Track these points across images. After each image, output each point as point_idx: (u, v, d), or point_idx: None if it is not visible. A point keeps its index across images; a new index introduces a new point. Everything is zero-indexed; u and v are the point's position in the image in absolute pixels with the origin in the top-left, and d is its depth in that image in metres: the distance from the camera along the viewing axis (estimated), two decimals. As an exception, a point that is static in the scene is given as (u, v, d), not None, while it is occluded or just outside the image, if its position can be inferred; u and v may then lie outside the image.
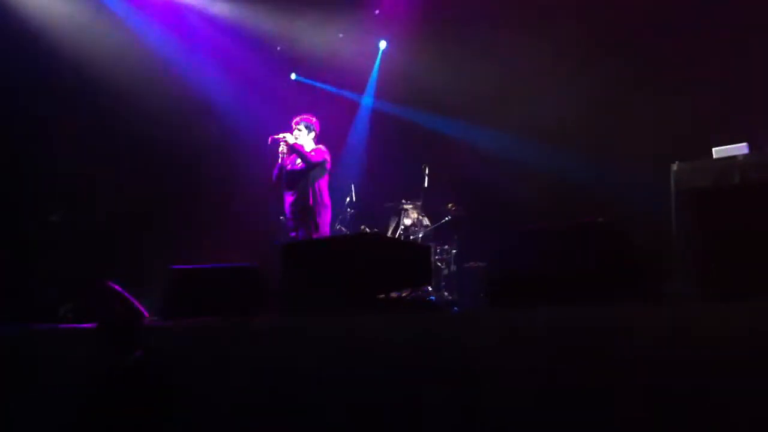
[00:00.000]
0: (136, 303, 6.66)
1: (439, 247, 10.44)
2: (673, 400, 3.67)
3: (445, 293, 10.14)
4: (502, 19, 10.81)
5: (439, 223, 10.66)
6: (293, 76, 12.94)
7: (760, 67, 8.85)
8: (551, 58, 10.32)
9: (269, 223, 9.93)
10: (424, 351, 4.58)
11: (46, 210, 10.02)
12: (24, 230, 9.69)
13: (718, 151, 7.30)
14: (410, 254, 6.78)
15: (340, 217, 10.47)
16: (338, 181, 10.63)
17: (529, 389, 4.11)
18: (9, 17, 9.82)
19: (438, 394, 4.38)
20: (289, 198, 8.93)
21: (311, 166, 8.74)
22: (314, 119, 9.12)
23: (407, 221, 10.61)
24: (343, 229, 10.45)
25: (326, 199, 8.96)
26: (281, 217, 9.25)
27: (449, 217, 10.63)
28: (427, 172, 10.64)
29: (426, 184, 10.64)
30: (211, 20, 11.70)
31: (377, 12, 12.08)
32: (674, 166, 7.24)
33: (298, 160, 8.84)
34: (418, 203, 10.59)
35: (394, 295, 6.50)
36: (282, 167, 8.85)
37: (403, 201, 10.63)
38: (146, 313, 6.83)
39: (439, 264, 10.38)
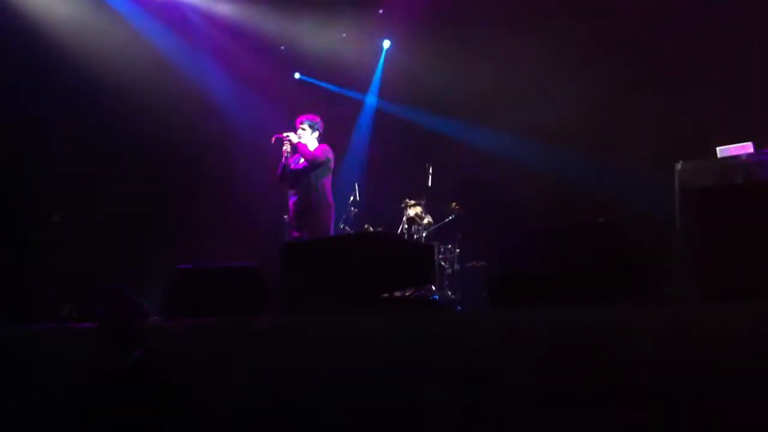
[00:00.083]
0: (138, 303, 6.65)
1: (442, 246, 10.44)
2: (673, 400, 3.65)
3: (449, 292, 10.14)
4: (504, 19, 10.80)
5: (442, 222, 10.66)
6: (297, 75, 12.95)
7: (762, 67, 8.83)
8: (552, 58, 10.32)
9: (270, 222, 9.94)
10: (424, 351, 4.57)
11: (46, 210, 10.04)
12: (24, 230, 9.70)
13: (722, 151, 7.29)
14: (413, 253, 6.77)
15: (344, 216, 10.47)
16: (342, 181, 10.63)
17: (529, 389, 4.10)
18: (9, 17, 9.84)
19: (438, 394, 4.37)
20: (292, 197, 8.92)
21: (314, 165, 8.74)
22: (318, 118, 9.12)
23: (410, 220, 10.62)
24: (347, 228, 10.45)
25: (329, 198, 8.95)
26: (284, 217, 9.25)
27: (452, 216, 10.63)
28: (430, 171, 10.63)
29: (429, 184, 10.64)
30: (213, 19, 11.70)
31: (381, 11, 12.08)
32: (678, 166, 7.23)
33: (302, 159, 8.83)
34: (422, 202, 10.59)
35: (397, 294, 6.50)
36: (285, 166, 8.85)
37: (407, 200, 10.62)
38: (148, 313, 6.84)
39: (443, 263, 10.38)
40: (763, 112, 8.22)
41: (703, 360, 3.65)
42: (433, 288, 9.63)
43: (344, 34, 12.28)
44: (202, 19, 11.71)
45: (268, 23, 11.72)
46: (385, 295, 6.03)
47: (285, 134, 8.78)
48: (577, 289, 4.55)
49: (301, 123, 8.98)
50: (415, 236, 10.41)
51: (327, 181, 8.93)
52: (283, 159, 8.82)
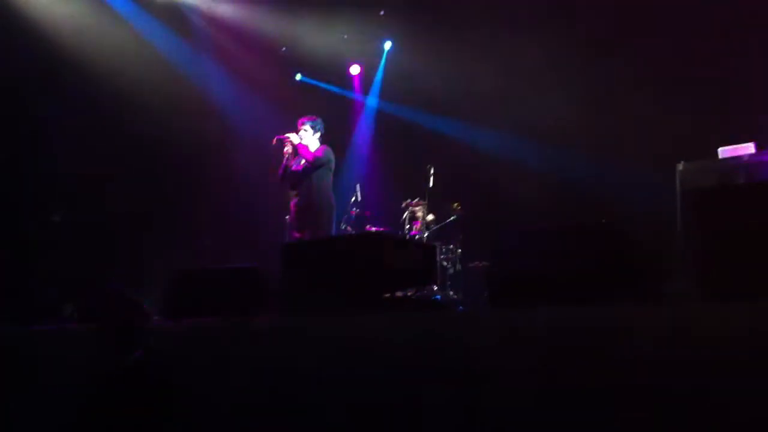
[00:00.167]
0: (139, 303, 6.65)
1: (444, 247, 10.44)
2: (673, 400, 3.64)
3: (451, 292, 10.14)
4: (504, 19, 10.80)
5: (444, 223, 10.66)
6: (298, 76, 12.96)
7: (762, 67, 8.82)
8: (552, 58, 10.32)
9: (271, 223, 9.95)
10: (425, 351, 4.56)
11: (46, 210, 10.05)
12: (24, 230, 9.71)
13: (723, 152, 7.27)
14: (415, 253, 6.76)
15: (345, 217, 10.47)
16: (343, 181, 10.64)
17: (530, 389, 4.09)
18: (9, 17, 9.84)
19: (439, 394, 4.36)
20: (293, 198, 8.94)
21: (315, 166, 8.75)
22: (319, 119, 9.13)
23: (412, 221, 10.63)
24: (349, 228, 10.45)
25: (331, 198, 8.97)
26: (286, 217, 9.25)
27: (454, 216, 10.63)
28: (431, 171, 10.64)
29: (431, 184, 10.65)
30: (214, 20, 11.71)
31: (382, 12, 12.09)
32: (680, 166, 7.22)
33: (303, 161, 8.84)
34: (423, 203, 10.59)
35: (399, 294, 6.49)
36: (287, 167, 8.86)
37: (408, 200, 10.63)
38: (149, 313, 6.84)
39: (445, 263, 10.38)
40: (764, 112, 8.21)
41: (703, 360, 3.64)
42: (435, 288, 9.63)
43: (345, 35, 12.29)
44: (203, 19, 11.71)
45: (269, 24, 11.73)
46: (387, 295, 6.03)
47: (286, 135, 8.79)
48: (577, 289, 4.54)
49: (303, 124, 9.00)
50: (416, 236, 10.41)
51: (328, 181, 8.95)
52: (284, 160, 8.83)
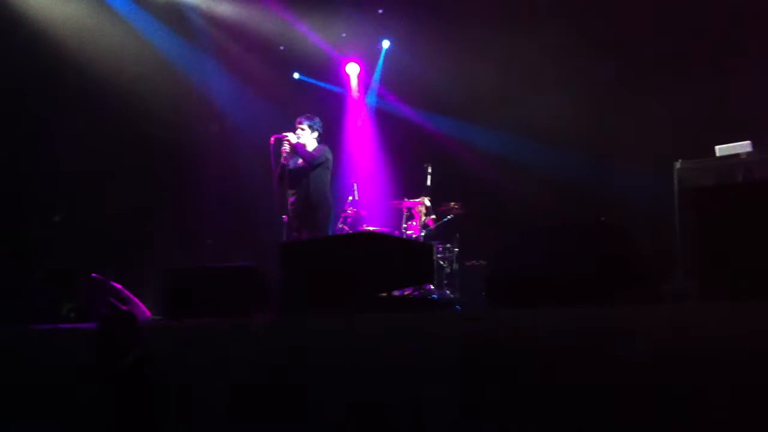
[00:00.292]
0: (137, 302, 6.67)
1: (441, 246, 10.44)
2: (673, 400, 3.65)
3: (448, 291, 10.13)
4: (503, 19, 10.80)
5: (441, 222, 10.65)
6: (296, 75, 12.95)
7: (760, 65, 8.83)
8: (551, 58, 10.32)
9: (270, 222, 9.94)
10: (425, 351, 4.56)
11: (46, 210, 10.03)
12: (24, 230, 9.70)
13: (721, 149, 7.28)
14: (412, 253, 6.76)
15: (343, 215, 10.46)
16: (341, 181, 10.63)
17: (529, 389, 4.09)
18: (10, 16, 9.83)
19: (438, 393, 4.36)
20: (291, 197, 8.93)
21: (313, 166, 8.75)
22: (317, 119, 9.13)
23: (410, 220, 10.63)
24: (346, 228, 10.44)
25: (328, 197, 8.97)
26: (283, 216, 9.24)
27: (452, 215, 10.63)
28: (429, 171, 10.64)
29: (428, 183, 10.65)
30: (213, 19, 11.70)
31: (380, 11, 12.08)
32: (677, 165, 7.23)
33: (300, 160, 8.84)
34: (421, 202, 10.58)
35: (396, 293, 6.50)
36: (284, 166, 8.85)
37: (406, 200, 10.63)
38: (148, 313, 6.85)
39: (442, 262, 10.37)
40: (762, 110, 8.22)
41: (703, 360, 3.65)
42: (432, 287, 9.63)
43: (344, 34, 12.29)
44: (202, 19, 11.70)
45: (268, 23, 11.71)
46: (384, 294, 6.04)
47: (284, 134, 8.79)
48: (577, 289, 4.55)
49: (300, 123, 8.99)
50: (413, 236, 10.40)
51: (326, 181, 8.95)
52: (282, 159, 8.82)
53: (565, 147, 10.09)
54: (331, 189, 9.05)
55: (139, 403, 4.58)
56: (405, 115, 12.29)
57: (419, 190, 10.63)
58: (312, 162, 8.74)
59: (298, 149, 8.74)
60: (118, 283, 7.53)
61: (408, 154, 11.68)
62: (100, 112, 10.40)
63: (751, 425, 3.47)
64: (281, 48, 12.42)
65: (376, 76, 12.82)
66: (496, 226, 9.75)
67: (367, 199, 11.04)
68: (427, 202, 10.53)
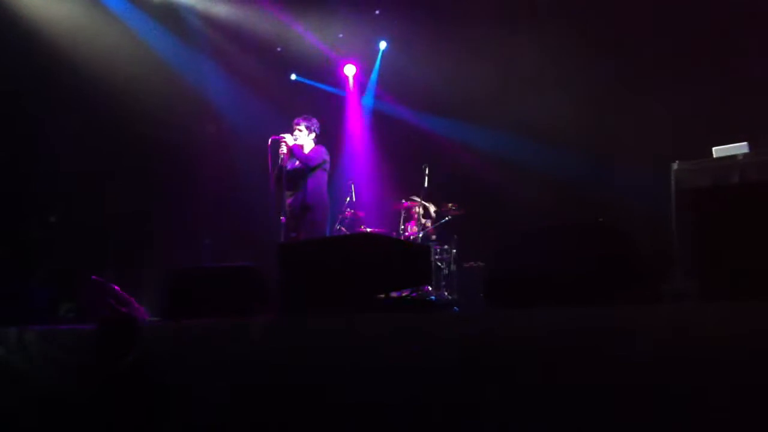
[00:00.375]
0: (135, 303, 6.66)
1: (438, 247, 10.45)
2: (673, 400, 3.66)
3: (445, 293, 10.14)
4: (502, 19, 10.81)
5: (439, 223, 10.66)
6: (293, 76, 12.96)
7: (758, 66, 8.85)
8: (550, 58, 10.33)
9: (269, 223, 9.94)
10: (424, 351, 4.57)
11: (45, 210, 10.03)
12: (22, 230, 9.69)
13: (718, 151, 7.29)
14: (410, 254, 6.76)
15: (340, 217, 10.47)
16: (338, 182, 10.63)
17: (529, 389, 4.10)
18: (8, 17, 9.82)
19: (438, 394, 4.37)
20: (288, 198, 8.93)
21: (310, 167, 8.75)
22: (314, 120, 9.13)
23: (407, 221, 10.65)
24: (343, 229, 10.46)
25: (326, 199, 8.97)
26: (281, 217, 9.24)
27: (449, 216, 10.63)
28: (427, 172, 10.65)
29: (426, 184, 10.65)
30: (210, 20, 11.69)
31: (377, 12, 12.09)
32: (674, 165, 7.22)
33: (298, 161, 8.84)
34: (418, 203, 10.60)
35: (394, 295, 6.50)
36: (282, 167, 8.85)
37: (403, 201, 10.64)
38: (145, 314, 6.84)
39: (439, 264, 10.38)
40: (759, 111, 8.24)
41: (703, 360, 3.65)
42: (430, 288, 9.64)
43: (341, 35, 12.30)
44: (199, 19, 11.70)
45: (265, 24, 11.72)
46: (382, 296, 6.04)
47: (281, 136, 8.79)
48: (577, 289, 4.55)
49: (298, 124, 8.99)
50: (411, 237, 10.42)
51: (323, 182, 8.95)
52: (280, 160, 8.82)
53: (564, 147, 10.10)
54: (328, 190, 9.05)
55: (139, 403, 4.59)
56: (402, 116, 12.30)
57: (417, 191, 10.64)
58: (309, 163, 8.75)
59: (295, 151, 8.74)
60: (117, 283, 7.53)
61: (405, 154, 11.69)
62: (97, 113, 10.40)
63: (751, 425, 3.48)
64: (278, 49, 12.43)
65: (374, 76, 12.83)
66: (495, 226, 9.77)
67: (365, 200, 11.04)
68: (432, 209, 10.55)
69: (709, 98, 9.04)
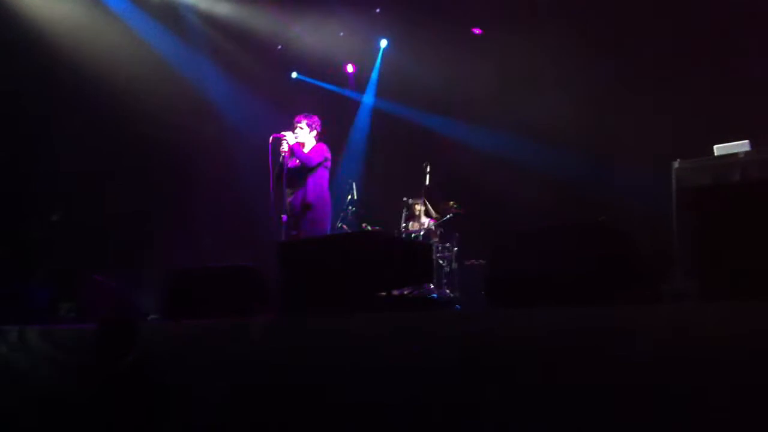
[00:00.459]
0: (134, 303, 6.66)
1: (440, 245, 10.45)
2: (673, 400, 3.65)
3: (447, 291, 10.15)
4: (502, 18, 10.80)
5: (440, 221, 10.66)
6: (294, 74, 12.96)
7: (759, 64, 8.84)
8: (552, 58, 10.32)
9: (269, 222, 9.94)
10: (425, 350, 4.56)
11: (46, 210, 10.03)
12: (23, 230, 9.70)
13: (719, 149, 7.28)
14: (411, 252, 6.76)
15: (342, 215, 10.48)
16: (339, 180, 10.64)
17: (529, 389, 4.09)
18: (6, 16, 9.82)
19: (438, 394, 4.36)
20: (289, 196, 8.92)
21: (311, 165, 8.74)
22: (316, 118, 9.12)
23: (409, 219, 10.66)
24: (345, 227, 10.46)
25: (327, 197, 8.96)
26: (282, 216, 9.24)
27: (450, 215, 10.64)
28: (428, 170, 10.65)
29: (427, 182, 10.65)
30: (211, 19, 11.69)
31: (378, 10, 12.08)
32: (675, 164, 7.22)
33: (299, 159, 8.84)
34: (419, 201, 10.60)
35: (395, 293, 6.49)
36: (283, 166, 8.85)
37: (404, 199, 10.64)
38: (144, 313, 6.83)
39: (441, 261, 10.38)
40: (760, 109, 8.23)
41: (703, 360, 3.65)
42: (431, 287, 9.64)
43: (341, 33, 12.29)
44: (199, 18, 11.70)
45: (266, 23, 11.71)
46: (383, 294, 6.03)
47: (282, 134, 8.79)
48: (577, 289, 4.54)
49: (299, 122, 8.98)
50: (413, 235, 10.42)
51: (324, 180, 8.94)
52: (281, 158, 8.82)
53: (565, 147, 10.10)
54: (329, 188, 9.05)
55: (139, 403, 4.59)
56: (403, 114, 12.30)
57: (418, 190, 10.64)
58: (310, 161, 8.74)
59: (295, 151, 8.73)
60: (117, 283, 7.53)
61: (406, 153, 11.69)
62: (97, 113, 10.42)
63: (751, 425, 3.47)
64: (279, 47, 12.42)
65: (374, 75, 12.83)
66: (496, 225, 9.77)
67: (366, 198, 11.04)
68: (432, 213, 10.56)
69: (709, 98, 9.03)
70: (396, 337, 4.73)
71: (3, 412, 5.30)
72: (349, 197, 10.72)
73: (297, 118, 9.03)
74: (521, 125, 10.55)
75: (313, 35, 12.02)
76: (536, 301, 4.59)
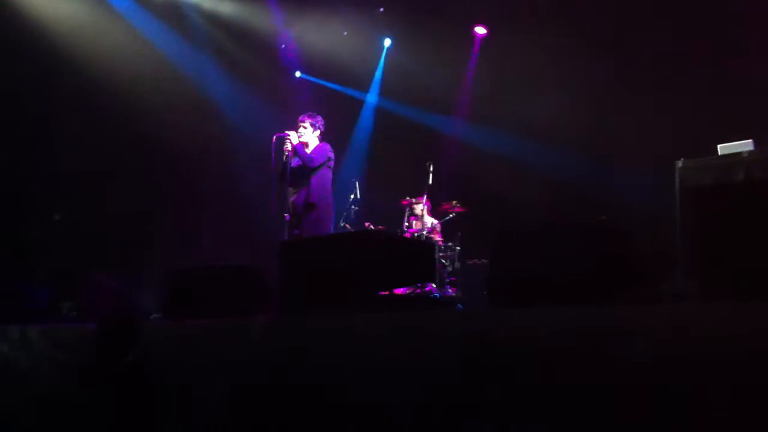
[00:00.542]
0: (134, 302, 6.66)
1: (442, 244, 10.45)
2: (673, 400, 3.64)
3: (450, 290, 10.14)
4: (504, 18, 10.80)
5: (443, 220, 10.66)
6: (298, 74, 12.96)
7: (762, 64, 8.83)
8: (551, 58, 10.31)
9: (270, 221, 9.95)
10: (425, 350, 4.55)
11: (46, 209, 10.05)
12: (24, 229, 9.72)
13: (723, 148, 7.26)
14: (414, 251, 6.75)
15: (345, 214, 10.48)
16: (342, 179, 10.63)
17: (529, 389, 4.08)
18: (8, 15, 9.83)
19: (438, 394, 4.36)
20: (292, 195, 8.92)
21: (314, 165, 8.73)
22: (319, 117, 9.12)
23: (412, 218, 10.66)
24: (348, 226, 10.47)
25: (330, 196, 8.95)
26: (285, 215, 9.24)
27: (453, 214, 10.64)
28: (431, 169, 10.64)
29: (430, 182, 10.65)
30: (213, 18, 11.70)
31: (381, 10, 12.08)
32: (679, 163, 7.21)
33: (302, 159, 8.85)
34: (423, 200, 10.60)
35: (397, 292, 6.50)
36: (286, 165, 8.84)
37: (408, 198, 10.64)
38: (144, 313, 6.83)
39: (443, 261, 10.38)
40: (764, 108, 8.21)
41: (703, 360, 3.63)
42: (434, 286, 9.63)
43: (345, 33, 12.29)
44: (202, 17, 11.70)
45: (268, 22, 11.72)
46: (386, 293, 6.02)
47: (286, 133, 8.78)
48: (577, 289, 4.53)
49: (303, 121, 8.98)
50: (415, 234, 10.42)
51: (327, 179, 8.93)
52: (284, 158, 8.82)
53: (565, 147, 10.10)
54: (332, 187, 9.04)
55: (139, 403, 4.58)
56: (406, 114, 12.30)
57: (421, 189, 10.64)
58: (311, 165, 8.72)
59: (298, 150, 8.72)
60: (117, 283, 7.53)
61: (409, 152, 11.68)
62: (98, 112, 10.42)
63: (751, 425, 3.46)
64: (282, 46, 12.43)
65: (378, 74, 12.83)
66: (498, 225, 9.76)
67: (369, 197, 11.05)
68: (422, 209, 10.56)
69: (709, 98, 9.03)
70: (396, 338, 4.72)
71: (3, 412, 5.31)
72: (352, 196, 10.72)
73: (300, 118, 9.03)
74: (521, 125, 10.55)
75: (316, 34, 12.01)
76: (537, 301, 4.58)
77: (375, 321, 5.02)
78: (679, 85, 9.37)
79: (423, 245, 8.68)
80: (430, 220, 10.68)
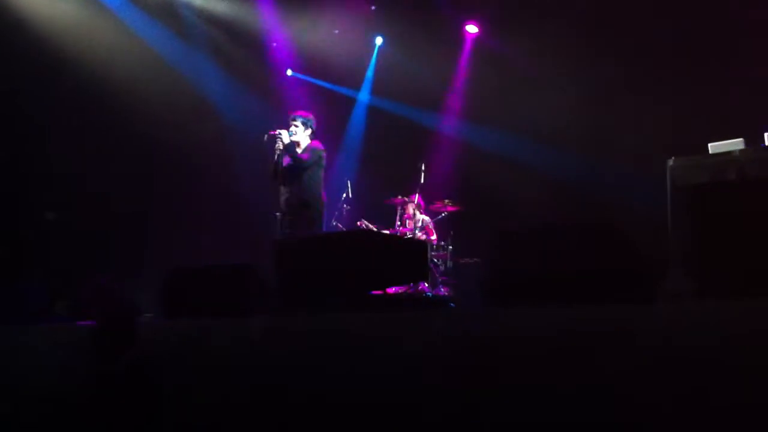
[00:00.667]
0: (133, 301, 6.64)
1: (435, 243, 10.47)
2: (673, 400, 3.67)
3: (442, 289, 10.16)
4: (499, 17, 10.81)
5: (435, 219, 10.68)
6: (289, 72, 12.94)
7: (753, 63, 8.88)
8: (551, 58, 10.34)
9: (267, 221, 9.95)
10: (423, 350, 4.57)
11: (42, 208, 10.02)
12: (21, 229, 9.69)
13: (714, 147, 7.29)
14: (406, 251, 6.77)
15: (336, 213, 10.48)
16: (334, 178, 10.63)
17: (529, 389, 4.10)
18: (8, 17, 9.80)
19: (437, 393, 4.37)
20: (284, 194, 8.91)
21: (305, 164, 8.72)
22: (311, 115, 9.11)
23: (404, 218, 10.67)
24: (340, 225, 10.47)
25: (322, 195, 8.95)
26: (277, 213, 9.23)
27: (445, 213, 10.66)
28: (423, 168, 10.66)
29: (422, 181, 10.67)
30: (207, 16, 11.67)
31: (373, 8, 12.08)
32: (670, 162, 7.23)
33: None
34: (415, 199, 10.62)
35: (390, 291, 6.51)
36: (278, 163, 8.83)
37: (400, 197, 10.65)
38: (143, 312, 6.82)
39: (436, 260, 10.40)
40: (754, 107, 8.26)
41: (703, 360, 3.66)
42: (426, 285, 9.65)
43: (337, 31, 12.28)
44: (196, 16, 11.67)
45: (260, 20, 11.70)
46: (378, 292, 6.04)
47: (278, 131, 8.77)
48: (575, 289, 4.55)
49: (294, 120, 8.97)
50: (408, 233, 10.43)
51: (319, 178, 8.92)
52: (276, 156, 8.80)
53: (564, 147, 10.12)
54: (324, 186, 9.04)
55: (138, 403, 4.58)
56: (398, 112, 12.30)
57: (413, 188, 10.66)
58: (301, 165, 8.71)
59: (288, 151, 8.71)
60: (115, 282, 7.51)
61: (401, 151, 11.69)
62: (95, 112, 10.40)
63: (751, 425, 3.49)
64: (274, 44, 12.41)
65: (370, 72, 12.83)
66: (492, 225, 9.79)
67: (361, 196, 11.05)
68: (414, 208, 10.57)
69: (709, 98, 9.06)
70: (389, 337, 4.73)
71: (2, 412, 5.29)
72: (345, 195, 10.73)
73: (292, 116, 9.02)
74: (516, 124, 10.57)
75: (308, 33, 12.00)
76: (533, 301, 4.60)
77: (372, 321, 5.03)
78: (679, 84, 9.41)
79: (415, 244, 8.69)
80: (422, 219, 10.70)
